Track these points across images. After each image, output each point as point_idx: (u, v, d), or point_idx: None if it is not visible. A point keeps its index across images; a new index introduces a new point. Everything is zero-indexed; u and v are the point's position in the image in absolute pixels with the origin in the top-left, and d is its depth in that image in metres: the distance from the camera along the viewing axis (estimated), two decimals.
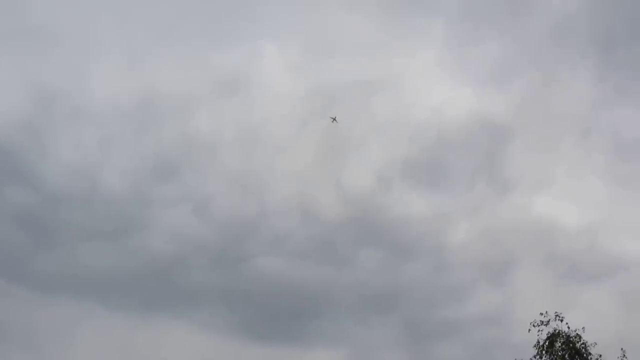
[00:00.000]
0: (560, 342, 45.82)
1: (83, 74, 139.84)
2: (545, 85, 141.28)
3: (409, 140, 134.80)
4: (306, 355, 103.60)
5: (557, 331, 46.18)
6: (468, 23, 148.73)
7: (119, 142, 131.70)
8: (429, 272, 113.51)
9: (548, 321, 46.59)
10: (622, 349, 45.72)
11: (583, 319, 46.86)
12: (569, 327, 46.16)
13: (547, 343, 45.99)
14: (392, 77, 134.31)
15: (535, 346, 46.09)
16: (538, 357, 45.89)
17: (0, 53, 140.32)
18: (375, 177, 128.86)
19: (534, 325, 46.69)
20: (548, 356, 45.83)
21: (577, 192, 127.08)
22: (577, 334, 46.07)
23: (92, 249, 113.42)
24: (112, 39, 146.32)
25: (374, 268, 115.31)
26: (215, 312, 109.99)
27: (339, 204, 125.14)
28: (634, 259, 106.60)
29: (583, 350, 45.75)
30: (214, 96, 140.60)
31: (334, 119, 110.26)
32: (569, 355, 45.44)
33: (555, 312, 46.53)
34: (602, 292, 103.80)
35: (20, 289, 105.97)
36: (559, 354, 45.63)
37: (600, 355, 45.71)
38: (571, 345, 45.68)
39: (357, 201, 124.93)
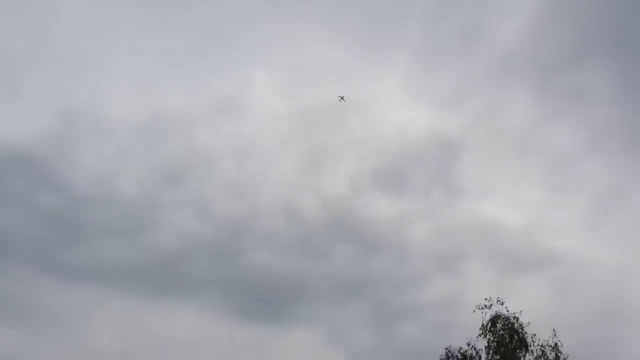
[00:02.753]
0: (500, 323, 45.87)
1: (103, 96, 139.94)
2: (490, 108, 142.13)
3: (377, 153, 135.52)
4: (290, 333, 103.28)
5: (498, 314, 46.24)
6: (427, 55, 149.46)
7: (133, 154, 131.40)
8: (393, 264, 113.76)
9: (491, 305, 46.65)
10: (553, 329, 46.08)
11: (521, 304, 47.10)
12: (508, 311, 46.36)
13: (489, 324, 46.02)
14: (363, 100, 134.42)
15: (480, 328, 46.10)
16: (482, 336, 45.88)
17: (34, 79, 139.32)
18: (348, 185, 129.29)
19: (479, 308, 46.75)
20: (491, 335, 45.77)
21: (516, 198, 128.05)
22: (515, 316, 46.19)
23: (110, 244, 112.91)
24: (127, 67, 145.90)
25: (347, 260, 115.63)
26: (214, 297, 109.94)
27: (318, 207, 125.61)
28: (563, 253, 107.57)
29: (520, 329, 45.84)
30: (213, 115, 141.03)
31: (342, 98, 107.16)
32: (508, 334, 45.48)
33: (497, 298, 46.73)
34: (537, 281, 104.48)
35: (49, 277, 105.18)
36: (500, 333, 45.62)
37: (535, 334, 45.91)
38: (510, 325, 45.78)
39: (333, 204, 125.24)
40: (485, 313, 46.51)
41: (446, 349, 46.46)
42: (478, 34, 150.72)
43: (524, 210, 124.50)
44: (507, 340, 45.40)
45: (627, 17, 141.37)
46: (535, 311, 49.19)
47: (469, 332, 46.43)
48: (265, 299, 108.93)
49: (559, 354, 45.55)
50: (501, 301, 46.55)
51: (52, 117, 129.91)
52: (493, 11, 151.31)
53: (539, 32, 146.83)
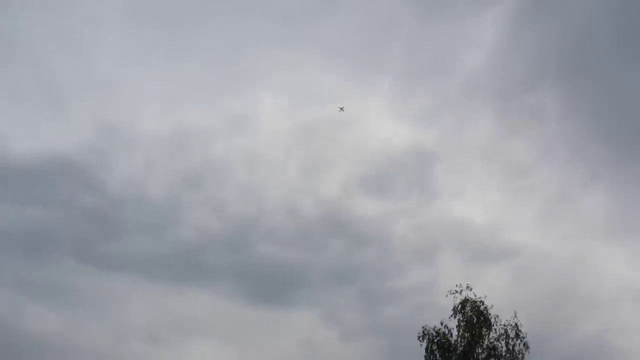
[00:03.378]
0: (469, 306, 46.19)
1: (134, 113, 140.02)
2: (459, 124, 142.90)
3: (365, 162, 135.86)
4: (291, 313, 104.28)
5: (466, 298, 46.50)
6: (407, 80, 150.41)
7: (160, 162, 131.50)
8: (378, 255, 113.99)
9: (461, 291, 46.74)
10: (514, 311, 46.48)
11: (486, 289, 47.54)
12: (475, 295, 46.65)
13: (459, 306, 46.32)
14: (353, 117, 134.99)
15: (452, 309, 46.48)
16: (453, 317, 46.24)
17: (76, 98, 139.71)
18: (341, 188, 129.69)
19: (451, 293, 46.94)
20: (461, 316, 46.10)
21: (482, 199, 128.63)
22: (481, 300, 46.43)
23: (140, 238, 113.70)
24: (155, 89, 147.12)
25: (339, 252, 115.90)
26: (228, 283, 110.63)
27: (315, 207, 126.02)
28: (521, 247, 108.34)
29: (485, 311, 46.19)
30: (227, 130, 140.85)
31: (342, 109, 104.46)
32: (475, 316, 45.87)
33: (467, 284, 47.02)
34: (499, 269, 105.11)
35: (89, 267, 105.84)
36: (469, 314, 45.98)
37: (497, 315, 46.26)
38: (477, 308, 46.12)
39: (328, 205, 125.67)
40: (456, 297, 46.69)
41: (423, 327, 46.33)
42: (449, 62, 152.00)
43: (488, 210, 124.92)
44: (474, 321, 45.69)
45: (574, 48, 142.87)
46: (497, 296, 49.57)
47: (442, 314, 46.80)
48: (271, 285, 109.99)
49: (519, 332, 45.75)
50: (470, 287, 46.81)
51: (91, 131, 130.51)
52: (461, 43, 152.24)
53: (499, 61, 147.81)
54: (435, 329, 46.19)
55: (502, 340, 45.76)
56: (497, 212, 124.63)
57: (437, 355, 45.64)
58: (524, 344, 45.59)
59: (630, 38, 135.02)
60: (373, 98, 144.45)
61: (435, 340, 45.81)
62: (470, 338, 45.38)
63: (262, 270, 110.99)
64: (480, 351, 45.37)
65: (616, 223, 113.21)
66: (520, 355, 45.44)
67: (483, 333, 45.62)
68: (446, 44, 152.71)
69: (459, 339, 45.75)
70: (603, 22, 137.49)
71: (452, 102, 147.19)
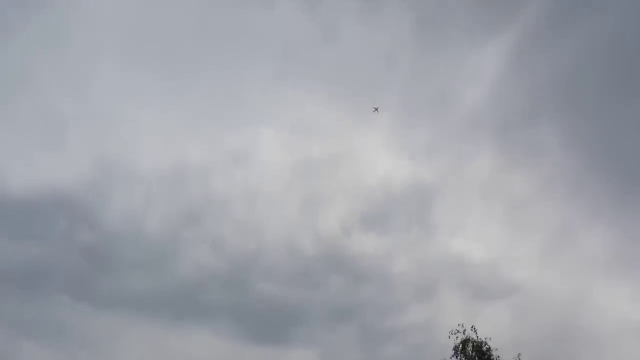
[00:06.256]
0: (470, 346, 45.66)
1: (133, 147, 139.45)
2: (459, 159, 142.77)
3: (364, 198, 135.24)
4: (290, 353, 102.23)
5: (467, 337, 46.01)
6: (406, 116, 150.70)
7: (158, 197, 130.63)
8: (378, 292, 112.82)
9: (464, 330, 46.37)
10: (519, 353, 45.80)
11: (486, 326, 47.19)
12: (477, 336, 46.14)
13: (460, 346, 45.79)
14: (352, 153, 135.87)
15: (453, 349, 45.97)
16: (455, 357, 45.71)
17: (74, 132, 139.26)
18: (340, 225, 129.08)
19: (453, 333, 46.49)
20: (463, 356, 45.52)
21: (482, 235, 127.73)
22: (483, 340, 45.94)
23: (137, 274, 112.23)
24: (154, 123, 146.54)
25: (339, 289, 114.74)
26: (226, 321, 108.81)
27: (314, 244, 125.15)
28: (523, 283, 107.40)
29: (488, 352, 45.59)
30: (226, 165, 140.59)
31: (376, 109, 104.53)
32: (477, 356, 45.30)
33: (472, 326, 46.49)
34: (500, 308, 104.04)
35: (84, 304, 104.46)
36: (471, 354, 45.42)
37: (499, 357, 45.59)
38: (478, 348, 45.53)
39: (327, 241, 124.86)
40: (458, 337, 46.25)
41: None
42: (448, 97, 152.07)
43: (488, 245, 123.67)
44: None
45: (574, 84, 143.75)
46: (498, 332, 49.32)
47: (443, 352, 46.42)
48: (269, 323, 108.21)
49: None
50: (474, 329, 46.43)
51: (89, 165, 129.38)
52: (460, 78, 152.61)
53: (499, 95, 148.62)
54: None
55: None
56: (498, 247, 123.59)
57: None
58: None
59: (631, 74, 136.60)
60: (372, 134, 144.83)
61: None
62: None
63: (260, 307, 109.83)
64: None
65: (618, 259, 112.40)
66: None
67: None
68: (446, 79, 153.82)
69: None
70: (604, 58, 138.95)
71: (451, 136, 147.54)
